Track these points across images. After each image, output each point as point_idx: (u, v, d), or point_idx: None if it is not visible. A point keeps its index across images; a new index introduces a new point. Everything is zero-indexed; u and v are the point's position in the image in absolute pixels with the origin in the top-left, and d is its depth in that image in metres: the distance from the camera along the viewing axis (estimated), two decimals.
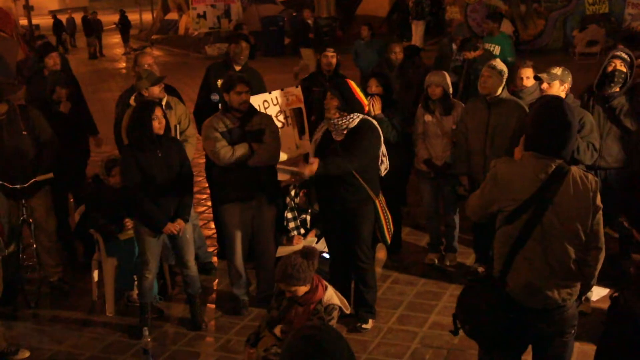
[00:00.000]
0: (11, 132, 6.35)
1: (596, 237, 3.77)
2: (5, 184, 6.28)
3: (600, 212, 3.75)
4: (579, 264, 3.79)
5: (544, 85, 5.88)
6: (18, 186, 6.35)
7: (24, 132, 6.41)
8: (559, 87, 5.86)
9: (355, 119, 5.54)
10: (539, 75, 5.93)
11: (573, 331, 3.94)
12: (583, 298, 4.03)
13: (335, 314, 4.62)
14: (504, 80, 6.21)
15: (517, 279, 3.81)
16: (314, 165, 5.36)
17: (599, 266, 3.83)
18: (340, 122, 5.52)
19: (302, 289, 4.51)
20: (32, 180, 6.41)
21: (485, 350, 4.16)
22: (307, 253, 4.53)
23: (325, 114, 5.58)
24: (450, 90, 6.73)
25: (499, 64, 6.28)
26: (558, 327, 3.87)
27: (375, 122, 5.77)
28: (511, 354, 4.04)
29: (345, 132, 5.55)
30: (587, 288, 3.95)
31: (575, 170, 3.76)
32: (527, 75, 6.45)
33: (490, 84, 6.16)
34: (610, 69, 6.04)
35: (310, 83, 7.50)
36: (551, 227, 3.70)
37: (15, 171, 6.35)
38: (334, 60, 7.52)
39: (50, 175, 6.52)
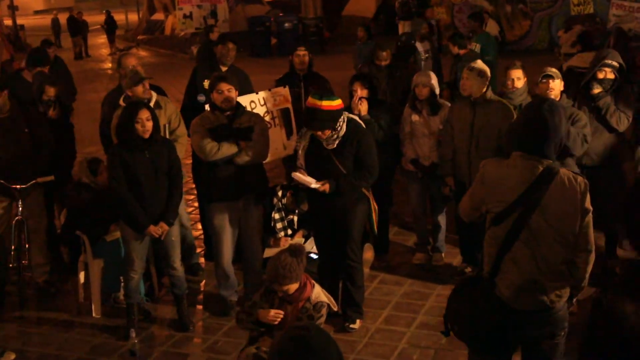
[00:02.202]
0: (14, 130, 6.33)
1: (585, 240, 3.76)
2: (5, 183, 6.25)
3: (590, 214, 3.74)
4: (569, 266, 3.79)
5: (551, 83, 5.91)
6: (18, 186, 6.31)
7: (26, 130, 6.39)
8: (560, 84, 5.99)
9: (342, 124, 5.55)
10: (547, 73, 5.95)
11: (563, 333, 3.93)
12: (574, 300, 4.03)
13: (324, 311, 4.64)
14: (486, 81, 6.22)
15: (505, 281, 3.81)
16: (326, 186, 5.55)
17: (589, 268, 3.82)
18: (330, 134, 5.54)
19: (294, 287, 4.53)
20: (33, 182, 6.38)
21: (473, 352, 4.16)
22: (295, 250, 4.55)
23: (319, 136, 5.57)
24: (438, 90, 6.75)
25: (479, 65, 6.29)
26: (547, 330, 3.88)
27: (359, 120, 5.82)
28: (500, 356, 4.04)
29: (337, 141, 5.57)
30: (577, 290, 3.93)
31: (564, 171, 3.77)
32: (518, 77, 6.47)
33: (469, 86, 6.18)
34: (601, 76, 6.12)
35: (284, 83, 7.47)
36: (538, 229, 3.70)
37: (16, 170, 6.32)
38: (306, 59, 7.44)
39: (52, 177, 6.50)
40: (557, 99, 5.90)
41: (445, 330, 4.04)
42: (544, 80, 5.97)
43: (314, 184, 5.60)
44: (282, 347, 2.33)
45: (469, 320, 3.90)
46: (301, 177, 5.69)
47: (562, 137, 3.81)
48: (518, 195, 3.71)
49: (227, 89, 5.84)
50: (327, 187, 5.57)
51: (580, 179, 3.77)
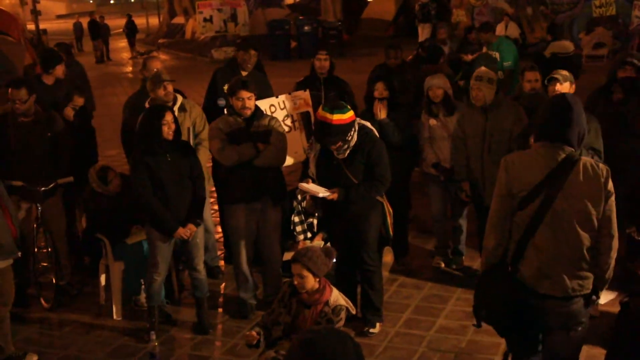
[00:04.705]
0: (37, 135, 6.40)
1: (608, 223, 3.79)
2: (26, 185, 6.32)
3: (613, 197, 3.78)
4: (593, 253, 3.81)
5: (558, 86, 5.89)
6: (42, 189, 6.38)
7: (49, 134, 6.46)
8: (570, 88, 5.97)
9: (353, 134, 5.53)
10: (553, 76, 5.95)
11: (580, 328, 3.94)
12: (599, 294, 3.99)
13: (343, 314, 4.64)
14: (495, 84, 6.19)
15: (527, 265, 3.87)
16: (334, 195, 5.54)
17: (613, 255, 3.83)
18: (341, 144, 5.54)
19: (311, 281, 4.52)
20: (54, 184, 6.44)
21: (501, 335, 4.23)
22: (328, 251, 4.66)
23: (331, 147, 5.56)
24: (451, 91, 6.73)
25: (485, 72, 6.24)
26: (562, 319, 3.90)
27: (369, 125, 5.78)
28: (527, 340, 4.09)
29: (347, 151, 5.57)
30: (602, 282, 3.92)
31: (585, 159, 3.84)
32: (536, 78, 6.46)
33: (481, 97, 6.16)
34: (622, 74, 6.07)
35: (305, 86, 7.48)
36: (562, 212, 3.76)
37: (38, 174, 6.39)
38: (327, 64, 7.46)
39: (71, 178, 6.56)
40: None
41: (477, 322, 4.10)
42: (552, 83, 5.96)
43: (321, 193, 5.57)
44: (292, 352, 2.34)
45: (493, 303, 3.98)
46: (307, 187, 5.68)
47: (584, 128, 3.86)
48: (541, 180, 3.78)
49: (247, 97, 5.85)
50: (335, 195, 5.55)
51: (601, 165, 3.83)
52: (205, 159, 6.48)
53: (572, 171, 3.75)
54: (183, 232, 5.74)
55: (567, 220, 3.75)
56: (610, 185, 3.78)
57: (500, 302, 3.94)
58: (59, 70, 7.72)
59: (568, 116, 3.79)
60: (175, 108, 6.39)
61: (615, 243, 3.82)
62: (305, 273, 4.49)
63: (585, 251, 3.78)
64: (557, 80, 5.95)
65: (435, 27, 14.78)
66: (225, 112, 6.23)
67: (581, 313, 3.91)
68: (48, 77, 7.57)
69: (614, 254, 3.84)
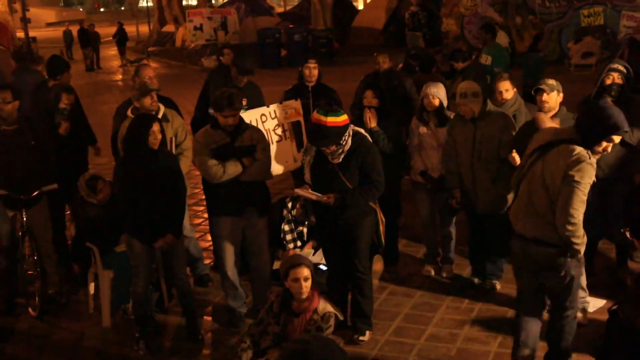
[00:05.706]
0: (21, 143, 6.39)
1: (562, 199, 4.52)
2: (11, 194, 6.29)
3: (575, 183, 4.46)
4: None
5: (544, 96, 5.92)
6: (24, 197, 6.36)
7: (32, 142, 6.44)
8: (557, 97, 5.99)
9: (348, 138, 5.55)
10: (540, 87, 5.97)
11: (563, 273, 4.71)
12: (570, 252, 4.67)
13: (332, 321, 4.66)
14: (482, 97, 6.21)
15: (514, 208, 4.96)
16: (331, 199, 5.57)
17: (566, 231, 4.53)
18: (336, 148, 5.55)
19: (309, 282, 4.56)
20: (38, 191, 6.42)
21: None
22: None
23: (324, 150, 5.59)
24: (446, 102, 6.75)
25: (468, 88, 6.24)
26: (535, 260, 4.77)
27: (365, 134, 5.81)
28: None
29: (342, 155, 5.58)
30: (566, 245, 4.64)
31: (575, 147, 4.52)
32: (506, 88, 6.51)
33: (469, 110, 6.18)
34: (608, 82, 6.08)
35: (293, 95, 7.50)
36: (537, 174, 4.70)
37: (22, 182, 6.37)
38: (315, 72, 7.49)
39: (55, 186, 6.54)
40: (554, 112, 5.93)
41: None
42: (538, 93, 5.99)
43: (317, 196, 5.59)
44: None
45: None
46: (303, 192, 5.69)
47: (600, 127, 4.50)
48: (537, 147, 4.75)
49: (233, 114, 5.83)
50: (331, 200, 5.57)
51: (579, 150, 4.49)
52: (186, 168, 6.49)
53: (556, 147, 4.58)
54: (162, 242, 5.74)
55: (537, 181, 4.68)
56: (574, 171, 4.45)
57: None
58: (66, 77, 7.81)
59: (591, 112, 4.63)
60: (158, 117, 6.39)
61: (566, 219, 4.49)
62: (310, 275, 4.57)
63: (549, 210, 4.63)
64: (543, 90, 5.97)
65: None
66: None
67: (555, 261, 4.68)
68: (55, 83, 7.64)
69: (566, 230, 4.52)
